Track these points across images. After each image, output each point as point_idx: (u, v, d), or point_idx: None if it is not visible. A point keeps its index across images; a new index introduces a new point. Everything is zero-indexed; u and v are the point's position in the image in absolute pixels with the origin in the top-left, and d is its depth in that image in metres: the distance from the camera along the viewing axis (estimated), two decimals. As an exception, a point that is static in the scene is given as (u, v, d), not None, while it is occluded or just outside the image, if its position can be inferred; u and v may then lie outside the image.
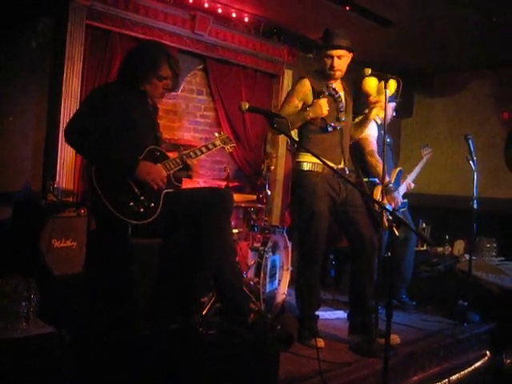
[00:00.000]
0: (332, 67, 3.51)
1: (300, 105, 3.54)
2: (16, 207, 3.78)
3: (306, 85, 3.54)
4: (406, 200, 4.61)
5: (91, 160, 2.84)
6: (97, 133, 2.79)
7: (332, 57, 3.50)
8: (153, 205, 2.83)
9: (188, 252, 2.94)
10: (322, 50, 3.56)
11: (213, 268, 2.98)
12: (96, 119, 2.83)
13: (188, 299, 2.92)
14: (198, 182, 4.60)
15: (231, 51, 5.53)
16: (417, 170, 4.81)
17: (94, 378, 2.35)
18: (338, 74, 3.55)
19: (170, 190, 2.94)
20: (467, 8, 4.74)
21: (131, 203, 2.77)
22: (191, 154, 3.13)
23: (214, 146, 3.30)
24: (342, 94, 3.64)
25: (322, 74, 3.59)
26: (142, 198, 2.81)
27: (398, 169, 4.69)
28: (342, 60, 3.52)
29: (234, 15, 5.39)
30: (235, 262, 3.33)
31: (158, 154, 3.04)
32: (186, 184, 3.29)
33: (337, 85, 3.63)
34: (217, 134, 3.44)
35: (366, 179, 4.35)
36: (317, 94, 3.50)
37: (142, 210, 2.78)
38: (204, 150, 3.22)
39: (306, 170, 3.52)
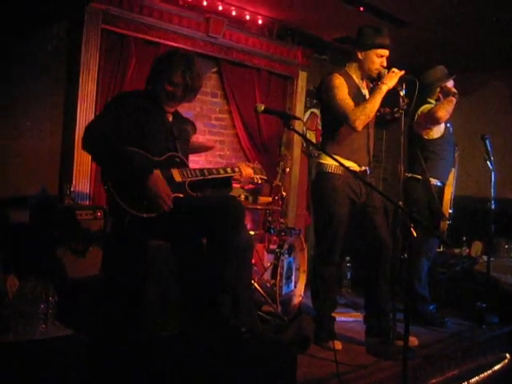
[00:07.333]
0: (381, 67, 3.41)
1: None
2: (33, 210, 3.82)
3: (341, 79, 3.42)
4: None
5: (107, 166, 2.86)
6: (114, 139, 2.80)
7: (382, 56, 3.42)
8: None
9: (203, 256, 2.92)
10: (370, 46, 3.41)
11: (232, 268, 2.89)
12: (113, 125, 2.84)
13: (215, 295, 2.88)
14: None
15: (245, 53, 5.53)
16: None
17: (111, 381, 2.36)
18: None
19: (179, 195, 2.93)
20: (482, 8, 4.70)
21: (145, 202, 2.77)
22: (214, 171, 3.15)
23: (233, 171, 3.27)
24: (367, 92, 3.59)
25: (358, 71, 3.51)
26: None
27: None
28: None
29: (247, 17, 5.39)
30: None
31: (178, 160, 3.05)
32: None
33: (363, 84, 3.59)
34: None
35: (409, 174, 4.30)
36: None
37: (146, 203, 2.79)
38: (223, 171, 3.21)
39: (328, 172, 3.49)
